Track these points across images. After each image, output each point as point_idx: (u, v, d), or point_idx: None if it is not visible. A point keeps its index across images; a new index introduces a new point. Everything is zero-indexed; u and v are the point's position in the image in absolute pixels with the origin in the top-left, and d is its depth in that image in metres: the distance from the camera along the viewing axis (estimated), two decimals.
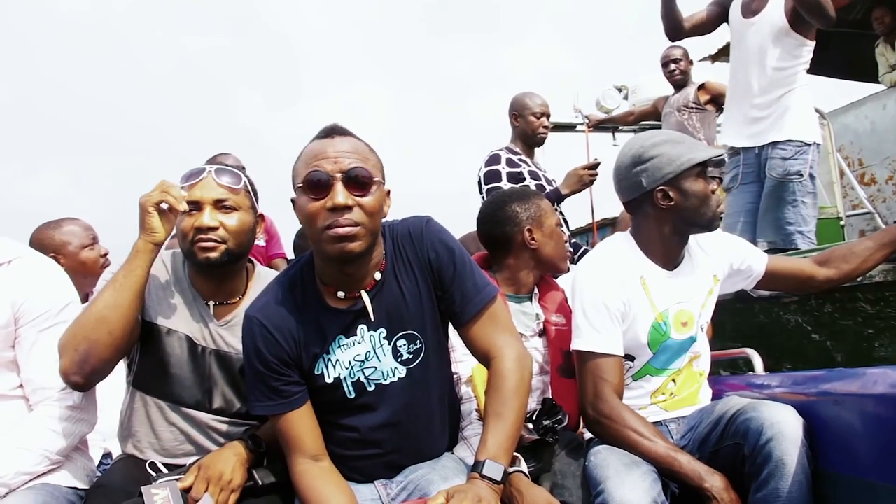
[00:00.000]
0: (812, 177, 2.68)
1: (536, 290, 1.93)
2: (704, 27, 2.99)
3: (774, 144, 2.69)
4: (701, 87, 4.05)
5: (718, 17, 2.95)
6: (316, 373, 1.40)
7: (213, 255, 1.49)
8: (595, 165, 2.78)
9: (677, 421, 1.69)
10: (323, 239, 1.29)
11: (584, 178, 2.77)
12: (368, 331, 1.40)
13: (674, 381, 1.71)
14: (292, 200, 1.37)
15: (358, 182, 1.29)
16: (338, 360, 1.39)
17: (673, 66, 4.09)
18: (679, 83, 4.13)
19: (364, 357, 1.40)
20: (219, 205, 1.50)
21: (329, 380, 1.40)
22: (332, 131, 1.35)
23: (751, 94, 2.76)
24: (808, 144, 2.67)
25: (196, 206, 1.49)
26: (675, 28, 2.96)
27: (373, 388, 1.41)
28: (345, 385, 1.40)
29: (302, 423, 1.37)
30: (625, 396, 1.64)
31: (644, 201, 1.67)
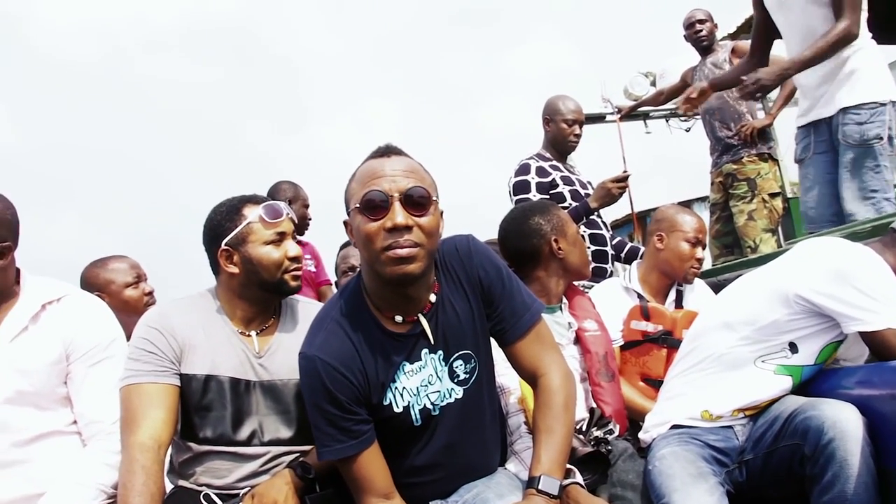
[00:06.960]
0: (891, 138, 2.47)
1: (565, 300, 1.93)
2: (769, 33, 2.81)
3: (846, 110, 2.50)
4: (732, 52, 3.84)
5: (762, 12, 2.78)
6: (384, 403, 1.34)
7: (299, 281, 1.58)
8: (624, 178, 2.69)
9: (743, 424, 1.63)
10: (381, 260, 1.24)
11: (613, 192, 2.67)
12: (429, 353, 1.37)
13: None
14: (345, 223, 1.34)
15: (416, 202, 1.24)
16: (405, 388, 1.35)
17: (699, 27, 3.89)
18: (706, 46, 3.94)
19: (428, 381, 1.37)
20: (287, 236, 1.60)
21: (398, 409, 1.35)
22: (387, 150, 1.31)
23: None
24: (884, 104, 2.46)
25: (282, 236, 1.56)
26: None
27: (437, 412, 1.38)
28: (412, 412, 1.36)
29: (373, 463, 1.32)
30: (754, 387, 1.59)
31: None
